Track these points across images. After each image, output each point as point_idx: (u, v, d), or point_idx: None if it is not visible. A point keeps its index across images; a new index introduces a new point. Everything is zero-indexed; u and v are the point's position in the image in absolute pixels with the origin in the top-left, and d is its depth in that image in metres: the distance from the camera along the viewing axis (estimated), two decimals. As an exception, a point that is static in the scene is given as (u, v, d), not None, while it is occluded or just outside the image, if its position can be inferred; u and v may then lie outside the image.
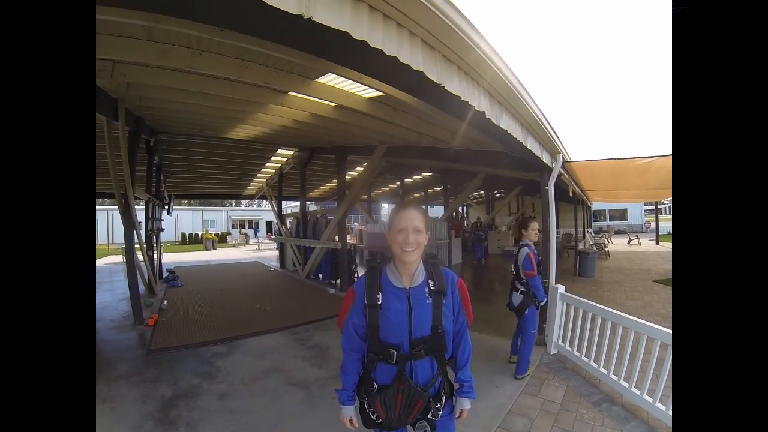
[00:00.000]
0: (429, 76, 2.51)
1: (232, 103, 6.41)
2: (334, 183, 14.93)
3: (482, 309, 8.05)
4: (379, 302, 1.79)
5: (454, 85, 2.80)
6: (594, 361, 4.54)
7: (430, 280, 1.84)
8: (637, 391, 3.87)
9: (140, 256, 9.21)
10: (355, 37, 2.00)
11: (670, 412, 3.46)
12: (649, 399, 3.72)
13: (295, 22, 1.88)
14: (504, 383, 4.49)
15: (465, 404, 1.97)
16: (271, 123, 7.92)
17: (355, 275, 10.47)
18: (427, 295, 1.82)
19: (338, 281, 10.67)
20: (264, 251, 25.53)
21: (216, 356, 5.52)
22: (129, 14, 3.39)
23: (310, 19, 1.83)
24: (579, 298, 5.05)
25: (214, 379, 4.74)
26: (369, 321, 1.81)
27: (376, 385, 1.84)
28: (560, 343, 5.28)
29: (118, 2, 2.57)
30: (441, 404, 1.88)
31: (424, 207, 22.48)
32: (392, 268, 1.87)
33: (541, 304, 4.68)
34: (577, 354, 4.85)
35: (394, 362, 1.78)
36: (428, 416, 1.86)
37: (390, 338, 1.78)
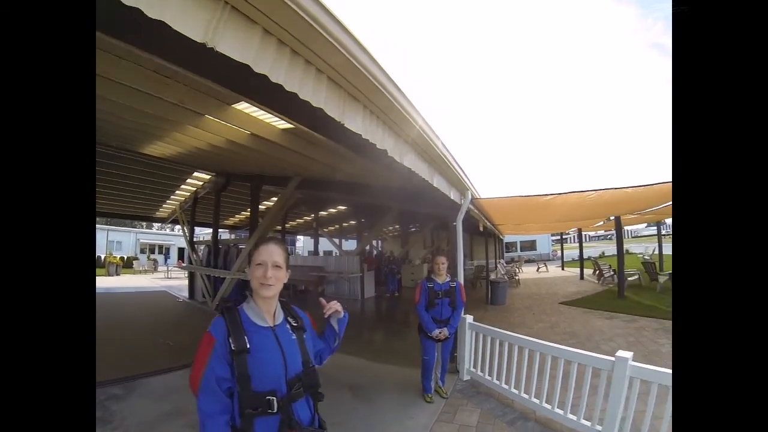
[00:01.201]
0: (329, 114, 2.57)
1: (148, 118, 6.12)
2: (248, 212, 14.65)
3: (395, 341, 8.22)
4: (248, 346, 1.60)
5: (356, 123, 2.89)
6: (505, 383, 4.83)
7: (289, 318, 1.82)
8: (549, 406, 4.20)
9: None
10: (256, 70, 2.04)
11: (582, 421, 3.85)
12: (561, 411, 4.07)
13: (201, 50, 1.89)
14: (418, 414, 4.57)
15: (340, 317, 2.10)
16: (188, 144, 7.70)
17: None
18: (290, 332, 1.77)
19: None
20: (173, 279, 24.18)
21: (111, 399, 5.03)
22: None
23: (213, 48, 1.86)
24: (486, 326, 5.36)
25: (108, 425, 4.34)
26: (238, 370, 1.57)
27: None
28: (472, 369, 5.53)
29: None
30: None
31: (337, 240, 22.51)
32: (252, 307, 1.74)
33: (430, 334, 4.86)
34: (489, 378, 5.13)
35: (275, 411, 1.59)
36: None
37: (265, 385, 1.60)
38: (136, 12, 1.69)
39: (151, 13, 1.72)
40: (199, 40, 1.83)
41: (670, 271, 14.53)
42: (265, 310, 1.75)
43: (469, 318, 5.61)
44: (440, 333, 4.78)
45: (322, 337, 2.08)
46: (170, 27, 1.76)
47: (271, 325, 1.74)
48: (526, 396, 4.49)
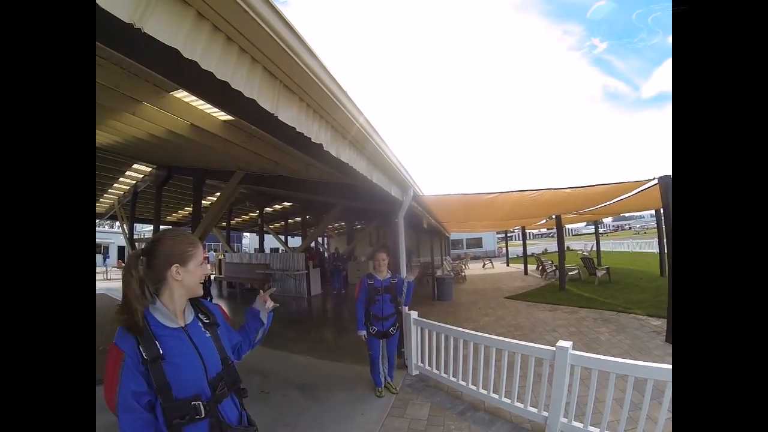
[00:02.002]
0: (261, 105, 2.54)
1: None
2: (191, 208, 14.25)
3: (343, 338, 8.26)
4: (161, 352, 1.49)
5: (290, 115, 2.86)
6: (453, 376, 5.02)
7: (200, 315, 1.72)
8: (496, 396, 4.39)
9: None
10: (186, 56, 1.97)
11: (529, 408, 4.08)
12: (508, 400, 4.26)
13: (129, 31, 1.79)
14: (369, 410, 4.63)
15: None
16: (125, 133, 7.32)
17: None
18: (203, 330, 1.67)
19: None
20: (113, 281, 23.15)
21: None
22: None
23: (141, 29, 1.78)
24: (431, 321, 5.50)
25: None
26: (156, 381, 1.45)
27: None
28: (420, 364, 5.69)
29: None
30: None
31: (283, 237, 22.25)
32: (159, 308, 1.60)
33: (372, 332, 4.99)
34: (437, 372, 5.32)
35: (203, 416, 1.52)
36: None
37: (187, 391, 1.51)
38: None
39: None
40: (126, 19, 1.73)
41: (607, 266, 15.74)
42: (174, 310, 1.62)
43: (414, 314, 5.71)
44: (362, 336, 4.94)
45: (241, 330, 2.01)
46: (97, 4, 1.62)
47: (182, 325, 1.62)
48: (474, 387, 4.67)
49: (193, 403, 1.49)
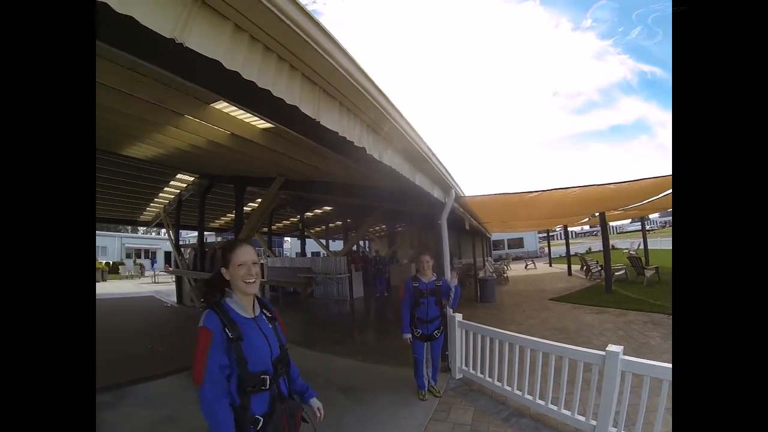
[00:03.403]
0: (303, 111, 2.56)
1: (126, 118, 6.05)
2: (233, 214, 14.56)
3: (386, 341, 8.20)
4: (241, 334, 1.85)
5: (331, 120, 2.88)
6: (498, 380, 4.85)
7: (264, 310, 2.10)
8: (542, 402, 4.22)
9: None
10: (228, 67, 2.02)
11: (577, 416, 3.89)
12: (554, 407, 4.09)
13: (170, 46, 1.86)
14: (412, 413, 4.55)
15: (317, 402, 2.24)
16: (168, 145, 7.59)
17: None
18: (266, 322, 2.05)
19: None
20: (160, 284, 23.86)
21: (101, 407, 4.82)
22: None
23: (182, 44, 1.83)
24: (476, 324, 5.39)
25: None
26: (236, 355, 1.81)
27: (260, 418, 1.87)
28: (464, 367, 5.55)
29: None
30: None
31: (324, 241, 22.45)
32: (236, 301, 1.97)
33: (417, 335, 4.90)
34: (481, 376, 5.16)
35: (267, 387, 1.89)
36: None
37: (258, 366, 1.86)
38: (104, 7, 1.66)
39: (119, 8, 1.67)
40: (167, 35, 1.80)
41: (656, 266, 14.78)
42: (247, 304, 1.98)
43: (458, 316, 5.61)
44: (407, 339, 4.86)
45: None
46: (138, 22, 1.72)
47: (253, 316, 1.99)
48: (519, 393, 4.51)
49: (261, 376, 1.87)
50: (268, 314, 2.10)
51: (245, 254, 1.98)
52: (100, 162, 9.54)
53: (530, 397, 4.37)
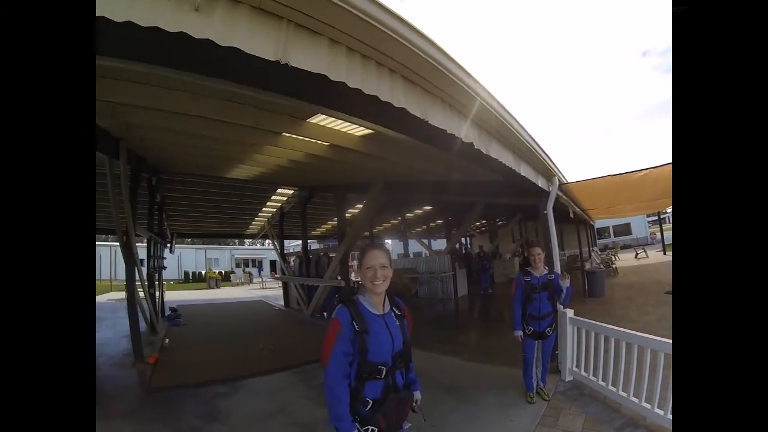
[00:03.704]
0: (412, 113, 2.58)
1: (229, 144, 6.51)
2: (335, 221, 15.04)
3: (492, 340, 7.96)
4: (367, 328, 2.03)
5: (438, 119, 2.85)
6: (612, 385, 4.37)
7: (393, 308, 2.22)
8: (661, 412, 3.68)
9: (142, 294, 9.15)
10: (333, 78, 2.07)
11: None
12: None
13: (274, 68, 1.97)
14: (518, 416, 4.30)
15: (419, 395, 2.35)
16: (268, 163, 8.01)
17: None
18: (395, 319, 2.18)
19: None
20: (268, 290, 25.24)
21: (218, 396, 5.34)
22: (127, 60, 3.46)
23: (287, 64, 1.91)
24: (589, 320, 4.95)
25: (215, 421, 4.60)
26: (359, 346, 2.00)
27: (370, 401, 2.04)
28: (575, 369, 5.10)
29: (114, 52, 2.64)
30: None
31: (426, 241, 22.40)
32: (367, 299, 2.14)
33: (528, 332, 4.64)
34: (594, 379, 4.71)
35: (383, 377, 2.05)
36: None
37: (378, 357, 2.03)
38: (207, 43, 1.76)
39: (222, 41, 1.80)
40: (271, 58, 1.92)
41: None
42: (377, 302, 2.14)
43: (570, 312, 5.17)
44: (518, 336, 4.61)
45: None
46: (242, 51, 1.84)
47: (381, 313, 2.14)
48: (635, 400, 3.97)
49: (379, 366, 2.03)
50: (397, 312, 2.22)
51: (373, 258, 2.11)
52: (207, 186, 10.49)
53: (648, 405, 3.82)
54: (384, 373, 2.06)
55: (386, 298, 2.23)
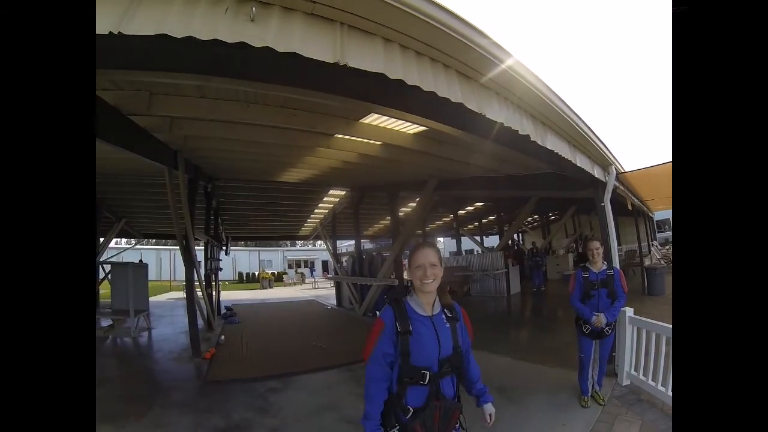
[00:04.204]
0: (469, 107, 2.57)
1: (280, 148, 6.71)
2: (387, 220, 15.12)
3: (545, 339, 7.77)
4: (410, 329, 1.95)
5: (495, 111, 2.84)
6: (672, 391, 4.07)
7: (445, 309, 2.10)
8: None
9: (200, 293, 9.60)
10: (391, 76, 2.10)
11: None
12: None
13: (333, 70, 2.02)
14: (571, 420, 4.13)
15: (491, 408, 2.24)
16: (320, 165, 8.17)
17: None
18: (445, 321, 2.06)
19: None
20: (320, 290, 25.50)
21: (270, 391, 5.48)
22: (182, 75, 3.63)
23: (345, 65, 1.95)
24: (649, 320, 4.69)
25: (266, 414, 4.72)
26: (401, 348, 1.93)
27: (411, 409, 1.95)
28: (633, 372, 4.82)
29: (173, 67, 2.78)
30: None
31: (478, 238, 22.02)
32: (415, 299, 2.06)
33: (585, 329, 4.39)
34: (653, 383, 4.42)
35: (426, 383, 1.94)
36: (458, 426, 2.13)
37: (421, 361, 1.93)
38: (267, 51, 1.84)
39: (281, 47, 1.87)
40: (330, 60, 1.97)
41: None
42: (425, 303, 2.05)
43: (629, 311, 4.90)
44: (598, 320, 4.24)
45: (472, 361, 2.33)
46: (301, 56, 1.91)
47: (430, 314, 2.03)
48: None
49: (422, 371, 1.92)
50: (449, 314, 2.10)
51: (422, 257, 2.04)
52: (260, 190, 10.95)
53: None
54: (427, 378, 1.95)
55: (437, 298, 2.13)
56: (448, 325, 2.06)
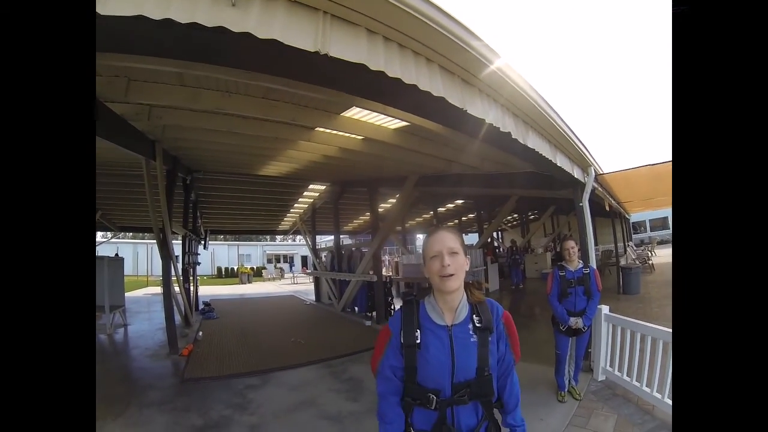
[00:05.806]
0: (451, 102, 2.55)
1: (261, 141, 6.62)
2: (367, 216, 15.10)
3: (523, 336, 7.82)
4: (418, 341, 1.55)
5: (477, 108, 2.82)
6: (646, 385, 4.22)
7: (474, 316, 1.61)
8: None
9: (177, 289, 9.49)
10: (372, 68, 2.07)
11: None
12: None
13: (314, 59, 1.99)
14: (548, 414, 4.21)
15: None
16: (301, 159, 8.12)
17: (392, 307, 10.39)
18: (471, 333, 1.59)
19: (374, 314, 10.58)
20: (299, 285, 25.43)
21: (248, 388, 5.49)
22: (161, 62, 3.56)
23: (326, 54, 1.92)
24: (624, 317, 4.81)
25: (245, 411, 4.73)
26: (406, 362, 1.57)
27: None
28: (608, 368, 4.96)
29: (151, 51, 2.72)
30: None
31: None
32: (432, 302, 1.64)
33: (562, 327, 4.50)
34: (627, 379, 4.55)
35: (433, 408, 1.54)
36: None
37: (428, 382, 1.55)
38: (246, 37, 1.80)
39: (261, 34, 1.82)
40: (311, 49, 1.92)
41: None
42: (445, 308, 1.61)
43: (605, 308, 5.03)
44: (576, 322, 4.37)
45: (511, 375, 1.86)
46: (282, 43, 1.86)
47: (449, 323, 1.59)
48: (669, 402, 3.84)
49: (429, 394, 1.54)
50: (478, 323, 1.60)
51: (438, 242, 1.60)
52: (239, 183, 10.78)
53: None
54: (434, 403, 1.54)
55: (463, 300, 1.66)
56: (474, 338, 1.59)
